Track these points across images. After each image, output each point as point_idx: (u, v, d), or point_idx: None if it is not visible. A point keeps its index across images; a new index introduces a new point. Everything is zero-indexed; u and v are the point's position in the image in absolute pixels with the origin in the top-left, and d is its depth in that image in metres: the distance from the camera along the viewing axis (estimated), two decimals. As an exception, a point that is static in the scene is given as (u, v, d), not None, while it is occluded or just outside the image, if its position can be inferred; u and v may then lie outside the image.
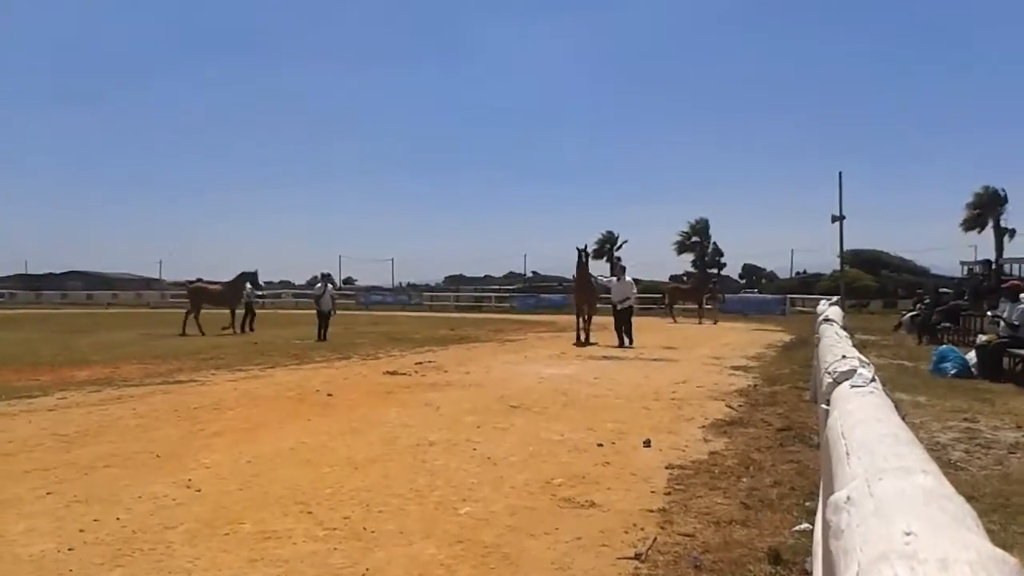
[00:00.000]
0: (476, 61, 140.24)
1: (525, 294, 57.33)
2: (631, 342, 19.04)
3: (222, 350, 16.88)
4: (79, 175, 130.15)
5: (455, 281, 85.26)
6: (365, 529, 4.56)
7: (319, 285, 22.40)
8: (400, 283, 79.92)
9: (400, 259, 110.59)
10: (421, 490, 5.41)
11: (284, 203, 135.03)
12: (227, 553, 4.13)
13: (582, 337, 19.70)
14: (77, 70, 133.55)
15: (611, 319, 19.98)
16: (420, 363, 14.40)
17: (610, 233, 71.44)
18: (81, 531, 4.46)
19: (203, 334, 21.88)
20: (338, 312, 23.37)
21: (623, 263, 22.92)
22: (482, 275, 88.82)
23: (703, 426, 8.01)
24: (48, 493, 5.27)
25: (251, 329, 23.96)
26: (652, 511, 4.96)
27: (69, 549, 4.17)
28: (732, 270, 79.31)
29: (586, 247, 21.15)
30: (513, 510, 4.98)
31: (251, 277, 25.13)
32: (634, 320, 20.07)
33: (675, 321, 32.74)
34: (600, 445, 6.95)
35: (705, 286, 37.62)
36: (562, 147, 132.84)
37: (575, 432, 7.54)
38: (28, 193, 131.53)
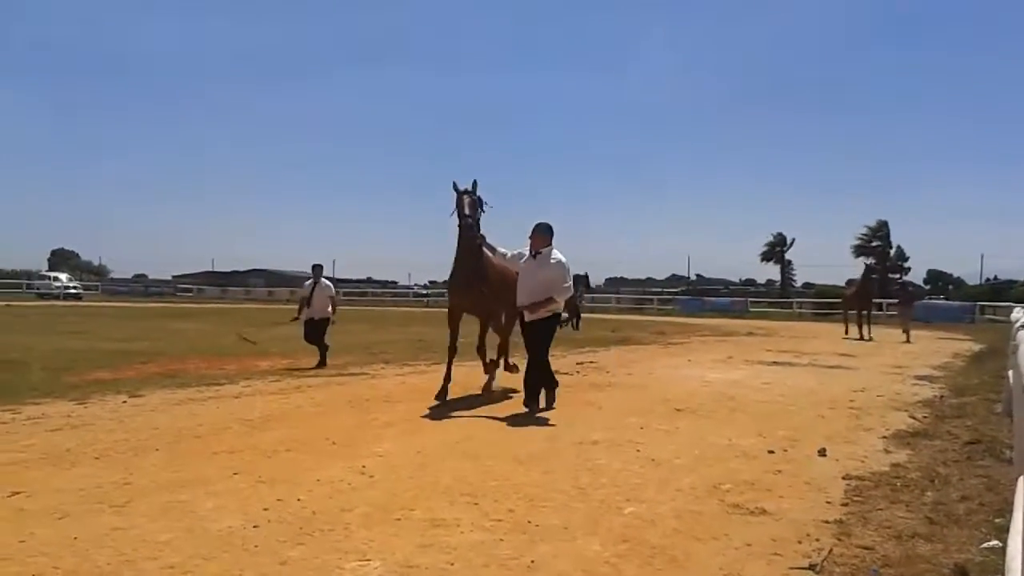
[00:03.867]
0: (628, 65, 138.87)
1: (689, 297, 56.26)
2: (548, 401, 8.93)
3: (390, 346, 17.52)
4: (263, 179, 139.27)
5: (615, 283, 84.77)
6: (530, 523, 4.57)
7: (308, 282, 14.34)
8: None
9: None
10: (585, 488, 5.37)
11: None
12: (399, 537, 4.25)
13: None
14: (247, 71, 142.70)
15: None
16: (581, 363, 14.39)
17: (780, 235, 68.87)
18: (265, 510, 4.71)
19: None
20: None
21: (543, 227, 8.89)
22: (644, 277, 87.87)
23: (884, 436, 7.55)
24: (235, 473, 5.61)
25: (575, 328, 24.29)
26: (828, 522, 4.70)
27: (254, 526, 4.40)
28: (916, 275, 74.31)
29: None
30: (679, 513, 4.85)
31: (584, 280, 25.84)
32: (805, 326, 17.76)
33: (847, 333, 26.30)
34: (771, 452, 6.67)
35: (873, 289, 29.86)
36: (729, 145, 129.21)
37: (744, 437, 7.28)
38: (216, 195, 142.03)
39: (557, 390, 9.07)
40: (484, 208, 9.45)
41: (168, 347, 16.06)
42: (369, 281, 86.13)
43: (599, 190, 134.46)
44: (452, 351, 9.72)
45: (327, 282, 14.42)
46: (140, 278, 78.28)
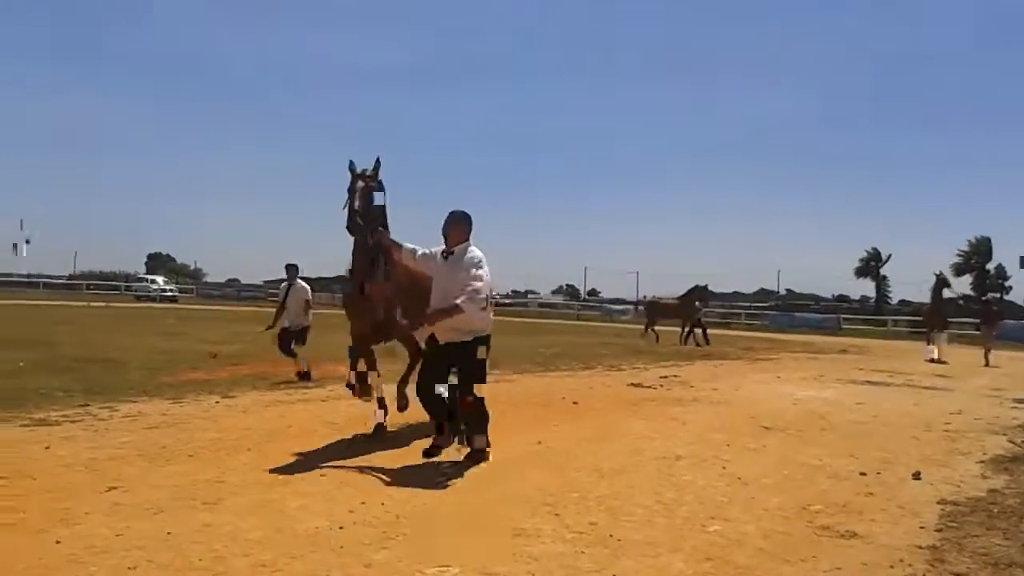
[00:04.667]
0: (733, 70, 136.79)
1: (779, 312, 55.01)
2: (480, 450, 6.48)
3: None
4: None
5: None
6: (611, 536, 4.52)
7: (285, 284, 13.16)
8: (644, 296, 79.64)
9: (645, 272, 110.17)
10: (668, 503, 5.29)
11: (540, 215, 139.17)
12: (480, 545, 4.25)
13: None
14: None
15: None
16: (665, 377, 14.21)
17: (875, 250, 66.58)
18: (350, 512, 4.78)
19: (657, 343, 23.52)
20: (575, 322, 23.21)
21: (457, 216, 6.61)
22: (730, 291, 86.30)
23: (981, 461, 7.22)
24: (321, 475, 5.72)
25: (706, 342, 24.43)
26: (921, 547, 4.51)
27: (340, 527, 4.48)
28: (1019, 294, 70.65)
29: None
30: (766, 533, 4.72)
31: (702, 292, 25.85)
32: (901, 345, 16.49)
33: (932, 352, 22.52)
34: (863, 474, 6.44)
35: (943, 306, 25.28)
36: (823, 157, 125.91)
37: (835, 458, 7.06)
38: (301, 200, 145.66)
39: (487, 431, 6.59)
40: (382, 199, 7.06)
41: (259, 350, 16.51)
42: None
43: (680, 201, 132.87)
44: (360, 377, 7.83)
45: (303, 284, 12.99)
46: (233, 282, 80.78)
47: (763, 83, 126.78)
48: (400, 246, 6.82)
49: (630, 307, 57.50)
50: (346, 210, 6.79)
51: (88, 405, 8.53)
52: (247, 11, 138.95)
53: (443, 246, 6.52)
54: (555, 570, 3.94)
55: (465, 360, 6.33)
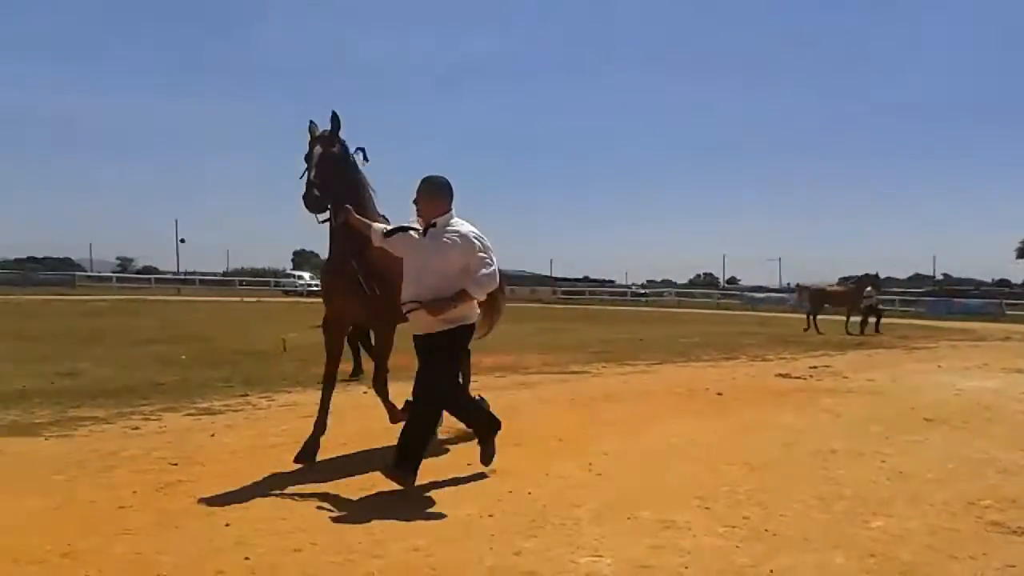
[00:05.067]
0: (871, 60, 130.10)
1: (935, 298, 51.92)
2: (484, 456, 5.62)
3: (609, 344, 17.53)
4: (469, 178, 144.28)
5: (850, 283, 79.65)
6: (766, 531, 4.38)
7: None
8: (787, 284, 76.71)
9: (789, 260, 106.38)
10: (825, 497, 5.07)
11: (665, 203, 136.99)
12: (630, 536, 4.22)
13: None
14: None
15: None
16: (815, 367, 13.64)
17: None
18: (499, 501, 4.85)
19: (820, 333, 22.70)
20: (715, 311, 22.60)
21: (433, 183, 5.28)
22: (883, 276, 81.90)
23: None
24: (467, 464, 5.81)
25: (876, 331, 23.75)
26: (1103, 546, 4.15)
27: (489, 515, 4.55)
28: None
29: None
30: (932, 529, 4.46)
31: (874, 280, 25.33)
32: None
33: None
34: (1037, 468, 5.99)
35: None
36: (980, 137, 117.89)
37: (1005, 451, 6.59)
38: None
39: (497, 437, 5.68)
40: (354, 160, 5.93)
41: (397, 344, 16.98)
42: (586, 280, 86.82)
43: (833, 186, 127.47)
44: (328, 379, 6.22)
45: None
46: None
47: (914, 68, 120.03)
48: (369, 225, 5.63)
49: (780, 295, 55.44)
50: (303, 180, 5.58)
51: (247, 395, 9.02)
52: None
53: (413, 219, 5.38)
54: (709, 564, 3.85)
55: (440, 349, 5.19)
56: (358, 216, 5.65)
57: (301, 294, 55.98)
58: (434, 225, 5.18)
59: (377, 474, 5.32)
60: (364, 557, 3.84)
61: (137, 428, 7.05)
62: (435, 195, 5.23)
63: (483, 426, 5.61)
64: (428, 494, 4.98)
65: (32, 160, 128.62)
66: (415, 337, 5.29)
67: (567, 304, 53.98)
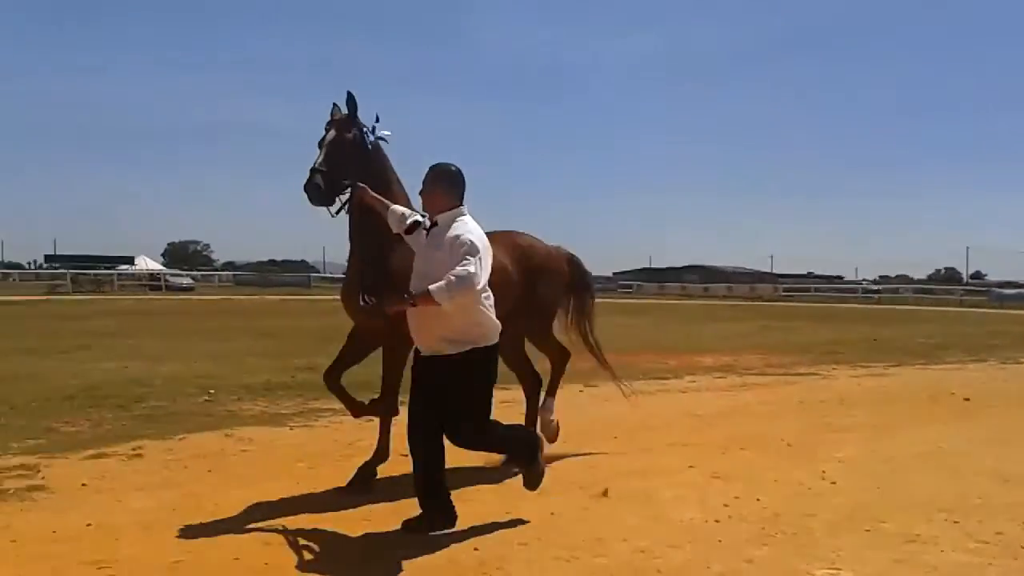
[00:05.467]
0: None
1: None
2: (529, 481, 4.53)
3: (840, 345, 16.54)
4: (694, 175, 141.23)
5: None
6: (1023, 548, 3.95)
7: None
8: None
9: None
10: (1095, 516, 4.48)
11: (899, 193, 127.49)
12: (870, 550, 3.94)
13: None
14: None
15: None
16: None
17: None
18: (725, 506, 4.68)
19: None
20: (958, 308, 20.62)
21: (440, 173, 4.38)
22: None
23: None
24: (690, 467, 5.68)
25: None
26: None
27: (715, 520, 4.41)
28: None
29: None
30: None
31: None
32: None
33: None
34: None
35: None
36: None
37: None
38: (648, 192, 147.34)
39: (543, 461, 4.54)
40: (372, 138, 5.03)
41: (616, 341, 16.94)
42: (810, 276, 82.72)
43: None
44: (330, 380, 5.25)
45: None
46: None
47: None
48: (387, 206, 4.71)
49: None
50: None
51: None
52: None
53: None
54: (961, 583, 3.51)
55: (455, 382, 4.16)
56: (375, 195, 4.76)
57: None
58: (436, 224, 4.31)
59: (597, 470, 5.31)
60: (588, 555, 3.83)
61: (371, 420, 7.46)
62: (437, 186, 4.36)
63: (524, 449, 4.53)
64: (649, 497, 4.89)
65: (267, 171, 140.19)
66: (415, 362, 4.34)
67: (790, 302, 51.65)
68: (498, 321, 4.27)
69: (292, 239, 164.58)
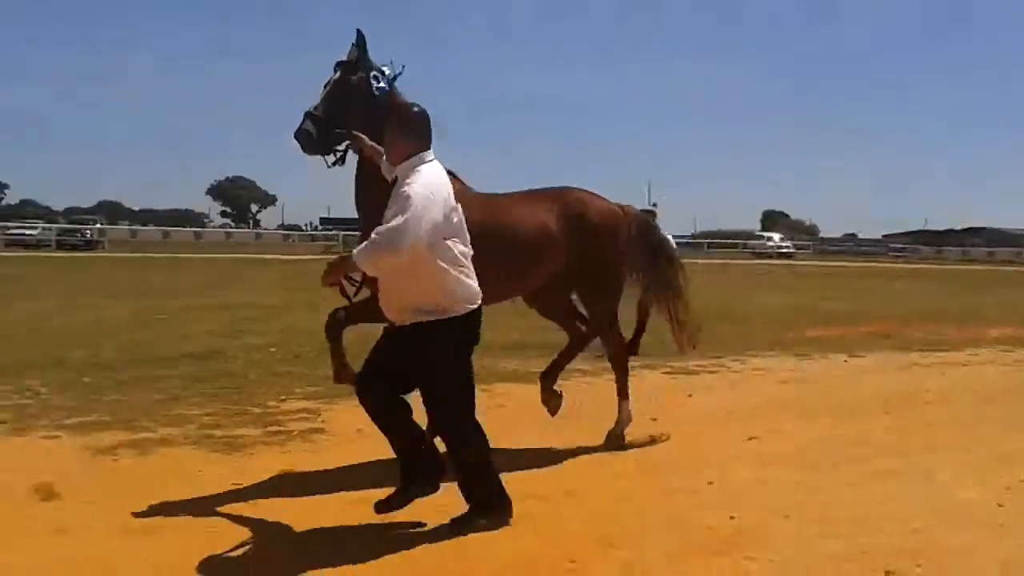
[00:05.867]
0: None
1: None
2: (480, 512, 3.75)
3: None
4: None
5: None
6: None
7: None
8: None
9: None
10: None
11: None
12: None
13: None
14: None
15: None
16: None
17: None
18: (1007, 489, 4.36)
19: None
20: None
21: (407, 115, 3.80)
22: None
23: None
24: (967, 450, 5.27)
25: None
26: None
27: (998, 504, 4.13)
28: None
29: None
30: None
31: None
32: None
33: None
34: None
35: None
36: None
37: None
38: (933, 151, 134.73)
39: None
40: (383, 84, 4.50)
41: (887, 308, 15.80)
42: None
43: None
44: (334, 354, 4.62)
45: None
46: (850, 237, 78.53)
47: None
48: (382, 154, 4.04)
49: None
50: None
51: (721, 357, 8.97)
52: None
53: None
54: None
55: (426, 361, 3.64)
56: (373, 144, 4.22)
57: (771, 256, 54.67)
58: (396, 178, 3.71)
59: (868, 446, 5.12)
60: (852, 528, 3.72)
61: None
62: (398, 131, 3.72)
63: (489, 489, 3.78)
64: (925, 475, 4.63)
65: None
66: (392, 335, 3.78)
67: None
68: (477, 287, 3.67)
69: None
